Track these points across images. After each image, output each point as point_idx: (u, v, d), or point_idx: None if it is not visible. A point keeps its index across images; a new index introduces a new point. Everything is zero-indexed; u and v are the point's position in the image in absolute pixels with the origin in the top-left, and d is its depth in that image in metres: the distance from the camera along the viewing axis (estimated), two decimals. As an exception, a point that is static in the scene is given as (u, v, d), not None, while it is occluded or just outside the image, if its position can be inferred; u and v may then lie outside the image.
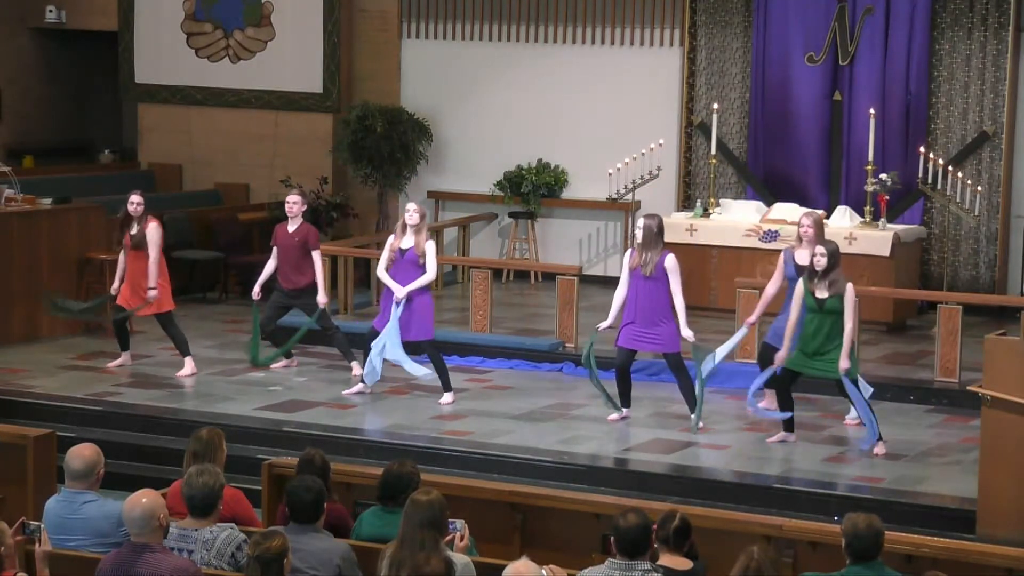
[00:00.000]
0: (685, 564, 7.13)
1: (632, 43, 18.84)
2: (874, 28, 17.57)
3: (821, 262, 11.69)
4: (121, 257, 14.12)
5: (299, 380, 14.15)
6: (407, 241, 13.03)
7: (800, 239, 12.54)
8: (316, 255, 14.03)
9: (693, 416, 12.46)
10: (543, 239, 19.20)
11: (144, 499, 7.03)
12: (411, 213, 13.09)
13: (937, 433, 12.71)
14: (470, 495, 8.95)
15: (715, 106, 17.56)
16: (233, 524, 7.63)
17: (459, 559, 7.14)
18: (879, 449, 11.92)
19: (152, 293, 13.90)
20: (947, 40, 17.42)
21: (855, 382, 11.77)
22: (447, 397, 13.27)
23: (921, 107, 17.49)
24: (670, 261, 12.30)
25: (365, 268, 17.24)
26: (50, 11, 21.47)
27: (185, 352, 14.15)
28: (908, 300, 16.22)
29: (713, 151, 17.40)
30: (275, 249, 14.13)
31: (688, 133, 18.56)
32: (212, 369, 14.39)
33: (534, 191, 18.98)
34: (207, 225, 18.45)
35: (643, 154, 17.52)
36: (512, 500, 9.02)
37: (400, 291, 12.91)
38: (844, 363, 11.67)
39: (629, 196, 17.60)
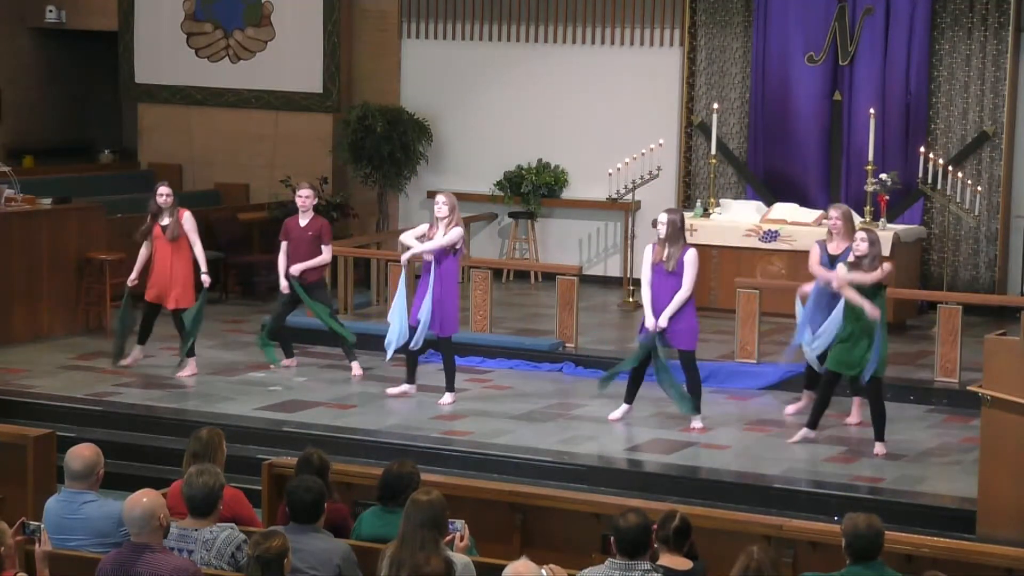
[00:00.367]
0: (685, 564, 7.13)
1: (632, 43, 18.84)
2: (874, 28, 17.57)
3: (862, 247, 11.74)
4: (144, 250, 13.98)
5: (299, 380, 14.15)
6: (438, 236, 13.03)
7: (830, 233, 12.60)
8: (327, 250, 14.04)
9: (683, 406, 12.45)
10: (543, 239, 19.20)
11: (144, 499, 7.03)
12: (439, 205, 13.08)
13: (937, 433, 12.71)
14: (470, 495, 8.95)
15: (715, 106, 17.56)
16: (233, 524, 7.63)
17: (459, 559, 7.14)
18: (879, 449, 11.92)
19: (206, 279, 13.87)
20: (947, 40, 17.42)
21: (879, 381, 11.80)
22: (447, 397, 13.27)
23: (921, 107, 17.49)
24: (691, 255, 12.30)
25: (365, 268, 17.25)
26: (50, 11, 21.48)
27: (189, 352, 14.13)
28: (908, 300, 16.22)
29: (713, 151, 17.40)
30: (285, 243, 14.11)
31: (688, 133, 18.57)
32: (212, 369, 14.38)
33: (534, 191, 18.99)
34: (207, 225, 18.40)
35: (643, 154, 17.52)
36: (512, 500, 9.02)
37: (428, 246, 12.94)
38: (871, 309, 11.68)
39: (629, 196, 17.60)
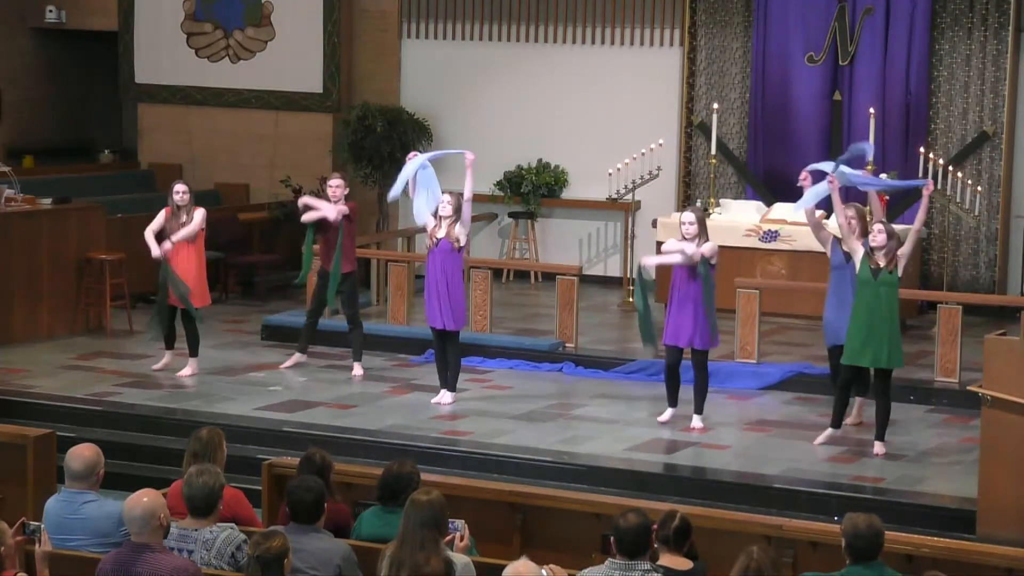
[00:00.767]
0: (685, 564, 7.13)
1: (632, 43, 18.84)
2: (874, 28, 17.58)
3: (880, 238, 11.75)
4: (149, 232, 13.90)
5: (299, 380, 14.15)
6: (442, 231, 13.05)
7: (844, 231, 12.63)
8: (347, 226, 14.06)
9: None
10: (543, 239, 19.20)
11: (145, 499, 7.03)
12: (444, 205, 13.11)
13: (937, 433, 12.71)
14: (470, 495, 8.95)
15: (715, 106, 17.56)
16: (233, 524, 7.63)
17: (459, 559, 7.14)
18: (878, 449, 11.92)
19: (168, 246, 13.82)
20: (947, 40, 17.43)
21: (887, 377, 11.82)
22: (448, 397, 13.26)
23: (921, 107, 17.49)
24: (710, 244, 12.35)
25: (365, 268, 17.24)
26: (50, 11, 21.48)
27: (193, 352, 14.13)
28: (908, 300, 16.18)
29: (713, 151, 17.40)
30: (320, 237, 14.13)
31: (688, 133, 18.57)
32: (212, 369, 14.38)
33: (534, 191, 18.99)
34: (207, 225, 18.42)
35: (643, 154, 17.52)
36: (512, 500, 9.02)
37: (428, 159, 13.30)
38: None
39: (629, 196, 17.60)
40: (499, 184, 19.19)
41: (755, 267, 16.54)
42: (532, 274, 19.04)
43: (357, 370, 14.24)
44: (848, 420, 12.83)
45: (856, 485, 11.25)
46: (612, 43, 18.93)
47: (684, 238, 12.34)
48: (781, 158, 18.06)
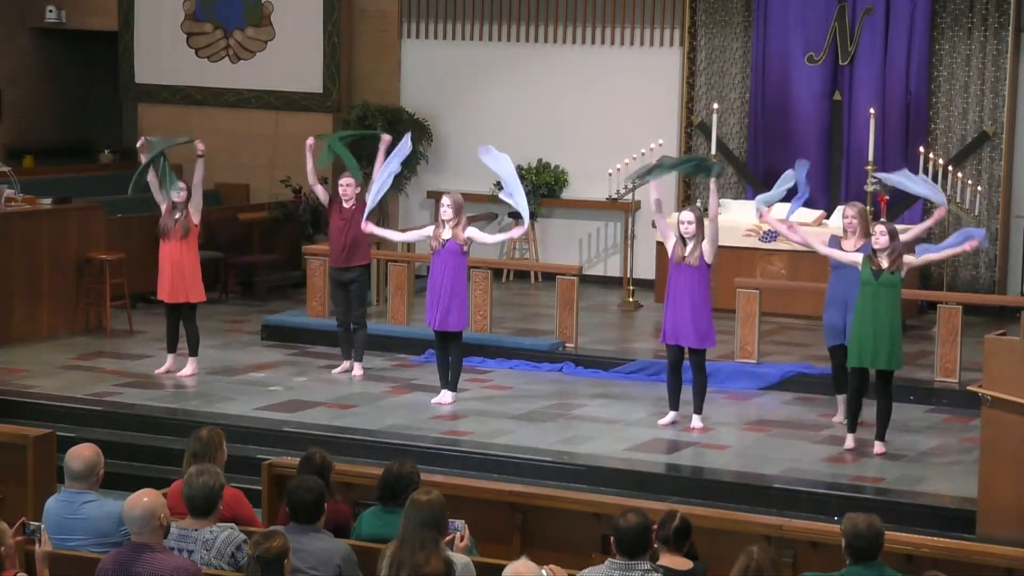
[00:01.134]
0: (685, 564, 7.13)
1: (632, 43, 18.84)
2: (874, 28, 17.58)
3: (881, 240, 11.74)
4: (161, 244, 13.90)
5: (299, 380, 14.15)
6: (447, 233, 13.06)
7: (845, 231, 12.60)
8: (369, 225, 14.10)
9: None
10: (543, 239, 19.20)
11: (145, 499, 7.03)
12: (444, 208, 13.10)
13: (937, 433, 12.71)
14: (470, 495, 8.95)
15: (715, 106, 17.56)
16: (233, 524, 7.63)
17: (459, 559, 7.14)
18: (878, 448, 11.93)
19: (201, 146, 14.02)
20: (947, 40, 17.43)
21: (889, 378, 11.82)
22: (448, 397, 13.26)
23: (921, 107, 17.49)
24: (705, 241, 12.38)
25: (365, 268, 17.22)
26: (50, 11, 21.47)
27: (193, 352, 14.12)
28: (908, 300, 16.18)
29: (713, 151, 17.39)
30: (328, 227, 14.14)
31: (688, 133, 18.57)
32: (212, 369, 14.38)
33: (534, 191, 18.98)
34: (207, 225, 18.38)
35: (643, 154, 17.52)
36: (512, 500, 9.02)
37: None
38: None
39: (629, 196, 17.60)
40: (499, 184, 19.14)
41: (755, 267, 16.54)
42: (532, 274, 19.04)
43: (357, 370, 14.24)
44: (836, 418, 12.83)
45: (856, 485, 11.25)
46: (612, 43, 18.93)
47: (681, 237, 12.34)
48: (781, 158, 18.03)
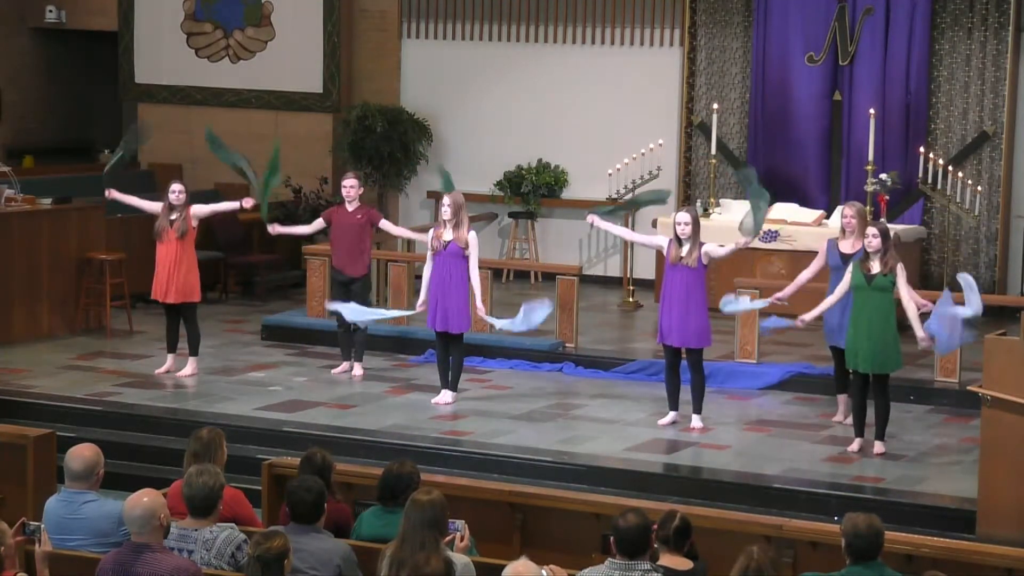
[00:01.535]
0: (685, 564, 7.13)
1: (632, 43, 18.84)
2: (874, 28, 17.58)
3: (874, 243, 11.72)
4: (158, 245, 13.91)
5: (299, 380, 14.15)
6: (448, 234, 13.05)
7: (843, 230, 12.58)
8: (386, 223, 14.06)
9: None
10: (543, 239, 19.20)
11: (145, 499, 7.03)
12: (444, 208, 13.09)
13: (937, 433, 12.71)
14: (470, 495, 8.95)
15: (715, 106, 17.56)
16: (233, 524, 7.63)
17: (459, 559, 7.14)
18: (878, 448, 11.92)
19: (249, 201, 14.17)
20: (947, 40, 17.43)
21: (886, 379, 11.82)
22: (448, 397, 13.26)
23: (921, 107, 17.49)
24: (712, 246, 12.38)
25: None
26: (50, 11, 21.48)
27: (193, 352, 14.12)
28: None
29: (713, 151, 17.40)
30: (320, 221, 14.11)
31: (688, 133, 18.57)
32: (212, 369, 14.38)
33: (534, 191, 18.99)
34: (207, 225, 18.41)
35: (643, 154, 17.52)
36: (512, 500, 9.02)
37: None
38: (921, 332, 11.60)
39: (629, 196, 17.59)
40: (499, 184, 19.20)
41: (755, 267, 16.53)
42: (532, 274, 19.04)
43: (357, 370, 14.24)
44: (836, 418, 12.83)
45: (856, 485, 11.25)
46: (612, 43, 18.93)
47: (679, 237, 12.34)
48: (781, 158, 18.07)
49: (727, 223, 16.83)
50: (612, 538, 6.95)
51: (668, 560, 7.10)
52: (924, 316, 11.78)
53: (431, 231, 13.31)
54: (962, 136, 17.45)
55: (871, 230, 11.83)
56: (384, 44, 19.86)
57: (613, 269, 18.90)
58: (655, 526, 7.10)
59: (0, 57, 21.31)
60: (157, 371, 14.19)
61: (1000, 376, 10.36)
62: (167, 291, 13.87)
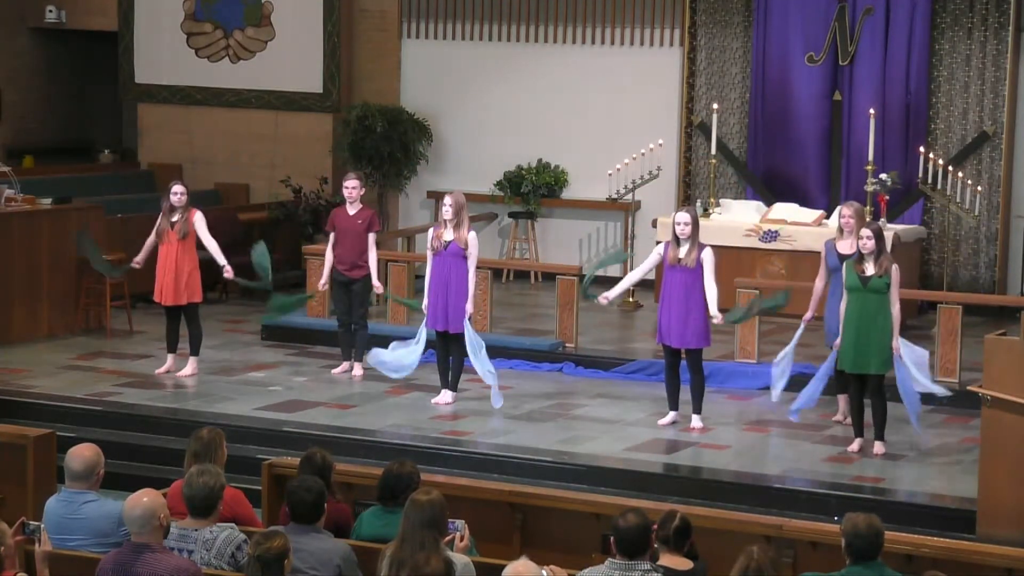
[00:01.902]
0: (685, 564, 7.13)
1: (632, 43, 18.84)
2: (874, 28, 17.58)
3: (868, 244, 11.72)
4: (150, 240, 13.94)
5: (299, 380, 14.15)
6: (448, 234, 13.05)
7: (842, 230, 12.58)
8: (371, 238, 13.99)
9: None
10: (543, 239, 19.20)
11: (145, 499, 7.03)
12: (445, 208, 13.08)
13: (937, 433, 12.71)
14: (470, 495, 8.95)
15: (715, 106, 17.56)
16: (233, 524, 7.63)
17: (459, 559, 7.14)
18: (878, 448, 11.92)
19: (228, 270, 14.01)
20: (947, 40, 17.43)
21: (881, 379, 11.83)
22: (448, 397, 13.26)
23: (921, 107, 17.49)
24: (710, 252, 12.35)
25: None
26: (50, 11, 21.47)
27: (195, 352, 14.12)
28: (908, 300, 16.18)
29: (713, 151, 17.40)
30: (332, 235, 14.08)
31: (688, 133, 18.57)
32: (212, 369, 14.38)
33: (534, 191, 18.99)
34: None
35: (643, 154, 17.52)
36: (512, 500, 9.02)
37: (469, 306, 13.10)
38: (896, 344, 11.73)
39: (629, 196, 17.60)
40: (499, 184, 19.19)
41: (755, 267, 16.54)
42: (532, 274, 19.04)
43: (357, 370, 14.24)
44: (836, 418, 12.83)
45: (856, 485, 11.25)
46: (612, 43, 18.92)
47: (678, 237, 12.33)
48: (781, 158, 18.07)
49: (727, 223, 16.87)
50: (612, 538, 6.95)
51: (668, 560, 7.10)
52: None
53: (431, 230, 13.32)
54: (962, 136, 17.45)
55: (865, 231, 11.82)
56: (384, 44, 19.86)
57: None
58: (655, 526, 7.10)
59: (0, 57, 21.31)
60: (157, 371, 14.19)
61: (1000, 376, 10.36)
62: (169, 293, 13.87)
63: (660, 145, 17.59)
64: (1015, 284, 17.43)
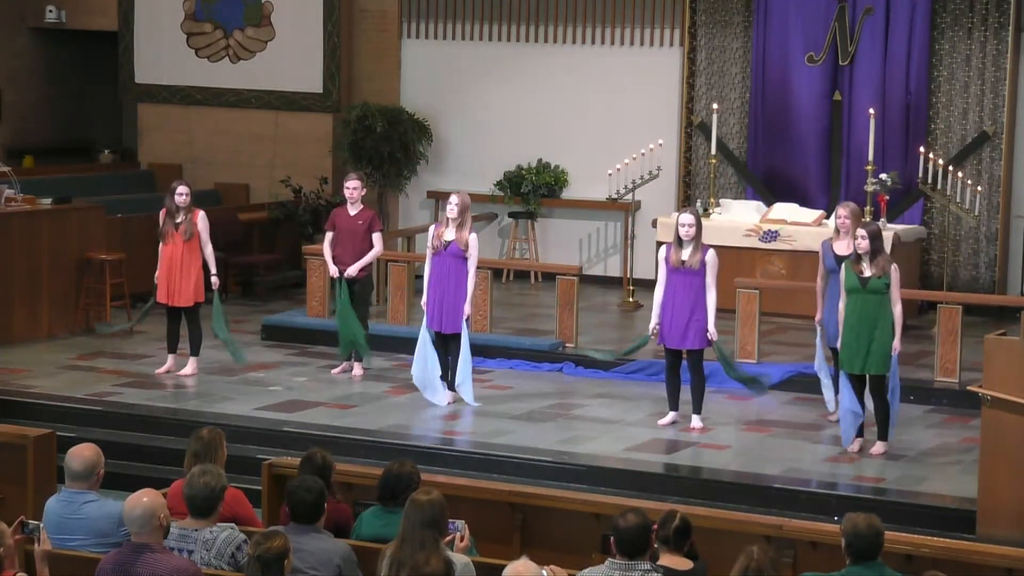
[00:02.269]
0: (685, 564, 7.13)
1: (632, 43, 18.84)
2: (874, 28, 17.58)
3: (863, 244, 11.71)
4: (161, 247, 13.98)
5: (299, 380, 14.15)
6: (450, 233, 13.04)
7: (838, 231, 12.57)
8: (378, 239, 13.97)
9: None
10: (543, 239, 19.20)
11: (145, 499, 7.03)
12: (451, 206, 13.06)
13: (937, 433, 12.71)
14: (470, 495, 8.95)
15: (715, 106, 17.56)
16: (233, 524, 7.63)
17: (459, 559, 7.14)
18: (878, 448, 11.92)
19: (215, 280, 14.01)
20: (947, 40, 17.43)
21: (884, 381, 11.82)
22: (448, 396, 13.25)
23: (921, 107, 17.49)
24: (713, 255, 12.32)
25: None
26: (50, 11, 21.47)
27: (195, 352, 14.13)
28: (908, 300, 16.17)
29: (713, 151, 17.40)
30: (330, 234, 14.06)
31: (688, 133, 18.57)
32: (212, 369, 14.38)
33: (534, 191, 18.99)
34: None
35: (643, 154, 17.52)
36: (512, 500, 9.02)
37: (467, 307, 13.06)
38: (897, 343, 11.72)
39: (629, 196, 17.60)
40: (499, 184, 19.19)
41: (755, 267, 16.54)
42: (532, 274, 19.04)
43: (357, 370, 14.24)
44: (831, 418, 12.81)
45: (856, 485, 11.25)
46: (612, 43, 18.92)
47: (681, 239, 12.32)
48: (781, 158, 18.07)
49: (727, 223, 16.87)
50: (612, 538, 6.95)
51: (668, 560, 7.10)
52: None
53: (431, 229, 13.31)
54: (962, 136, 17.45)
55: (860, 231, 11.81)
56: (384, 44, 19.86)
57: (613, 269, 18.90)
58: (655, 526, 7.10)
59: (0, 57, 21.31)
60: (157, 371, 14.19)
61: (1000, 376, 10.36)
62: (175, 294, 13.86)
63: (660, 145, 17.59)
64: (1015, 284, 17.43)
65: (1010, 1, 17.05)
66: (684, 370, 12.58)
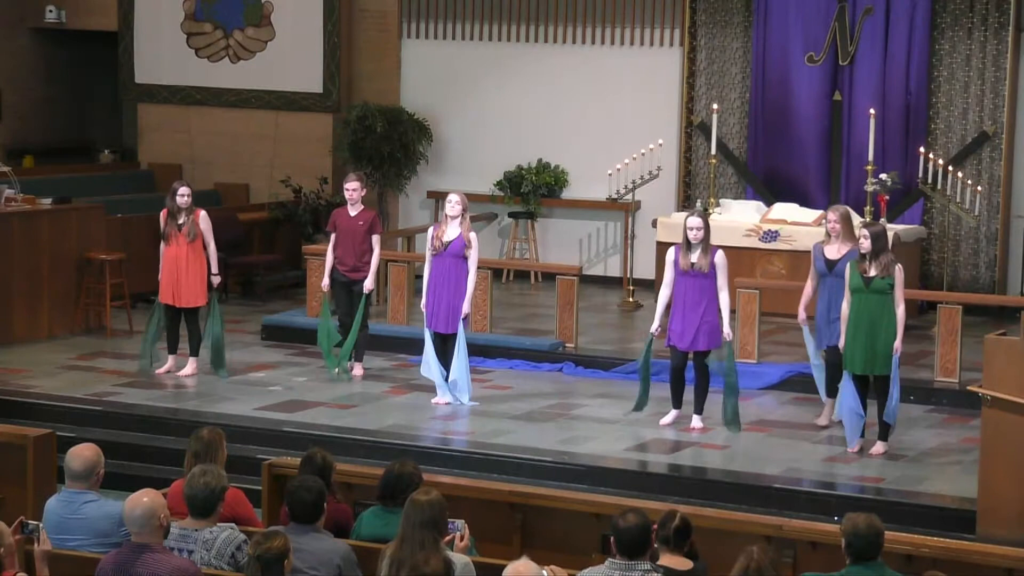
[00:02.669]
0: (685, 564, 7.13)
1: (632, 43, 18.84)
2: (874, 28, 17.58)
3: (866, 245, 11.71)
4: (164, 249, 13.99)
5: (299, 380, 14.15)
6: (450, 232, 13.03)
7: (828, 235, 12.56)
8: (376, 240, 13.97)
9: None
10: (543, 239, 19.20)
11: (145, 499, 7.03)
12: (452, 204, 13.04)
13: (937, 433, 12.71)
14: (470, 495, 8.95)
15: (715, 106, 17.56)
16: (233, 524, 7.63)
17: (459, 559, 7.14)
18: (878, 448, 11.92)
19: (216, 279, 14.03)
20: (947, 40, 17.43)
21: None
22: (447, 396, 13.25)
23: (921, 107, 17.50)
24: (722, 256, 12.33)
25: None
26: (50, 11, 21.47)
27: (194, 352, 14.13)
28: (908, 300, 16.15)
29: (713, 151, 17.40)
30: (334, 236, 14.05)
31: (688, 133, 18.57)
32: (212, 369, 14.36)
33: (534, 191, 18.99)
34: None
35: (643, 154, 17.52)
36: (512, 500, 9.02)
37: (466, 305, 13.04)
38: (898, 344, 11.73)
39: (629, 196, 17.60)
40: (499, 184, 19.20)
41: (755, 267, 16.54)
42: (532, 274, 19.04)
43: (357, 370, 14.24)
44: (819, 421, 12.80)
45: (856, 485, 11.25)
46: (612, 43, 18.93)
47: (690, 242, 12.30)
48: (781, 158, 18.08)
49: (727, 223, 16.86)
50: (612, 538, 6.95)
51: (668, 560, 7.10)
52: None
53: (430, 230, 13.31)
54: (962, 136, 17.45)
55: (863, 231, 11.82)
56: (384, 44, 19.87)
57: (613, 269, 18.90)
58: (655, 526, 7.10)
59: (0, 57, 21.30)
60: (157, 371, 14.19)
61: (1000, 376, 10.36)
62: (178, 294, 13.86)
63: (660, 145, 17.59)
64: (1015, 284, 17.44)
65: (1010, 1, 17.05)
66: (687, 370, 12.57)
